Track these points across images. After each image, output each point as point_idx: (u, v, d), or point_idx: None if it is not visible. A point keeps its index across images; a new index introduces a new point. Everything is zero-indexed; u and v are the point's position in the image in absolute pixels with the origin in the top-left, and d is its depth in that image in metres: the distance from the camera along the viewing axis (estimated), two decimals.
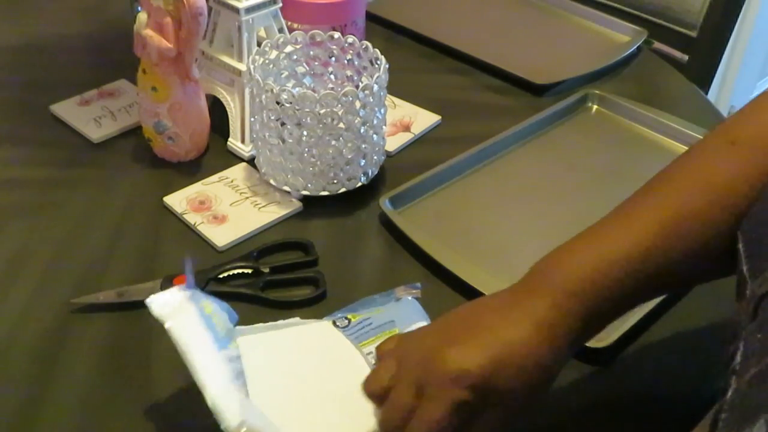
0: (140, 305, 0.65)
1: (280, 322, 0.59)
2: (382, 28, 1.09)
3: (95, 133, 0.85)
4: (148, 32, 0.74)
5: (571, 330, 0.48)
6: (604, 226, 0.53)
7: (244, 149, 0.83)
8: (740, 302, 0.43)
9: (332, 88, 0.77)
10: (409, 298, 0.63)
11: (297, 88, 0.73)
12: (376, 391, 0.51)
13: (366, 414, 0.51)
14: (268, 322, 0.61)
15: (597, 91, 0.93)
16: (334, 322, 0.60)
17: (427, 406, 0.47)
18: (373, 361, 0.55)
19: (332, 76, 0.81)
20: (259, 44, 0.78)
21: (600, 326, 0.51)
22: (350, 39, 0.78)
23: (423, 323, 0.59)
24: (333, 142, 0.72)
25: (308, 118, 0.70)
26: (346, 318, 0.60)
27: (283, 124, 0.72)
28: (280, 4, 0.82)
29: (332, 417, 0.52)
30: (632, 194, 0.54)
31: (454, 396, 0.46)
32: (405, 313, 0.61)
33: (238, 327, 0.57)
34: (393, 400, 0.49)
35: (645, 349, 0.63)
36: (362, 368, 0.55)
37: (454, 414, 0.46)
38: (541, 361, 0.47)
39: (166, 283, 0.66)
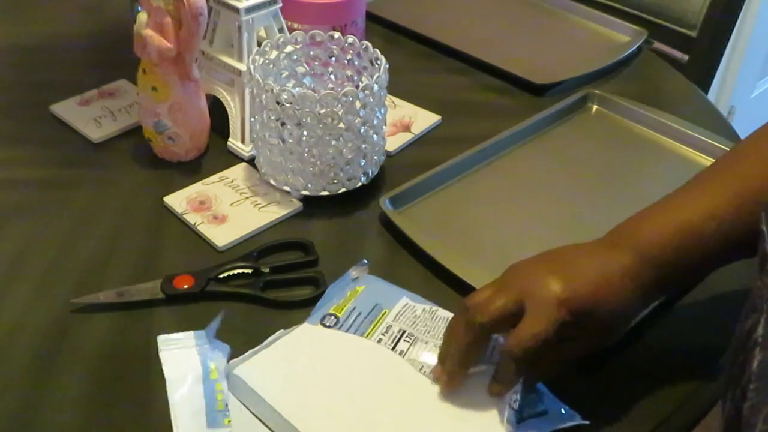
0: (140, 305, 0.65)
1: (266, 341, 0.60)
2: (382, 28, 1.09)
3: (95, 133, 0.85)
4: (148, 32, 0.74)
5: (651, 282, 0.54)
6: (678, 196, 0.57)
7: (244, 149, 0.83)
8: (762, 279, 0.43)
9: (332, 88, 0.77)
10: (374, 277, 0.66)
11: (297, 88, 0.73)
12: (478, 300, 0.53)
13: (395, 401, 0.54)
14: (268, 321, 0.61)
15: (597, 91, 0.93)
16: (322, 323, 0.60)
17: (532, 320, 0.51)
18: (389, 348, 0.58)
19: (332, 76, 0.81)
20: (259, 44, 0.78)
21: (673, 286, 0.57)
22: (350, 39, 0.78)
23: (406, 298, 0.63)
24: (333, 142, 0.72)
25: (308, 118, 0.70)
26: (332, 315, 0.61)
27: (283, 124, 0.72)
28: (280, 4, 0.82)
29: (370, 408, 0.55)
30: (705, 169, 0.58)
31: (558, 316, 0.51)
32: (382, 293, 0.64)
33: (231, 361, 0.58)
34: (492, 297, 0.53)
35: (645, 350, 0.63)
36: (379, 355, 0.57)
37: (554, 332, 0.51)
38: (628, 303, 0.53)
39: (166, 283, 0.66)
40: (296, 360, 0.58)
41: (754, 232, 0.50)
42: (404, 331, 0.60)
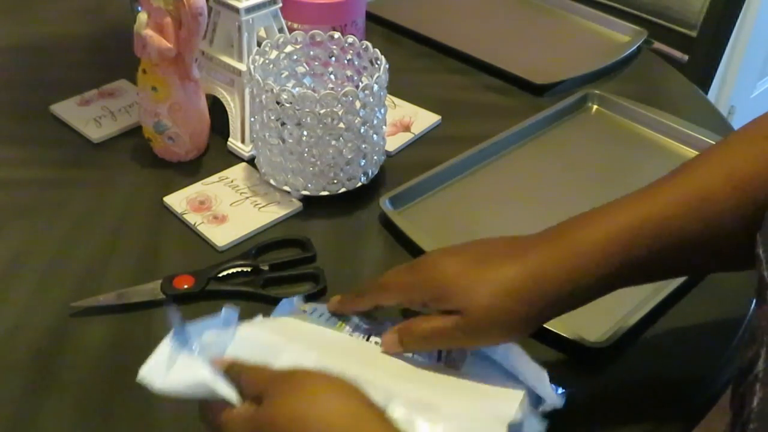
0: (140, 307, 0.65)
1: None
2: (382, 28, 1.09)
3: (95, 133, 0.85)
4: (148, 32, 0.74)
5: (565, 290, 0.51)
6: (623, 199, 0.55)
7: (244, 149, 0.83)
8: (761, 307, 0.42)
9: (332, 88, 0.77)
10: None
11: (297, 88, 0.73)
12: (393, 284, 0.55)
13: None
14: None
15: (597, 91, 0.93)
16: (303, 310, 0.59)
17: (437, 318, 0.52)
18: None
19: (332, 76, 0.81)
20: (259, 44, 0.78)
21: (603, 291, 0.52)
22: (350, 39, 0.78)
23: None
24: (333, 142, 0.72)
25: (308, 118, 0.70)
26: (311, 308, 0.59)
27: (283, 124, 0.72)
28: (280, 4, 0.82)
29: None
30: (658, 178, 0.56)
31: (458, 320, 0.51)
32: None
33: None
34: (409, 295, 0.54)
35: (645, 350, 0.63)
36: (353, 341, 0.56)
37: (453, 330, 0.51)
38: (526, 314, 0.51)
39: (166, 284, 0.66)
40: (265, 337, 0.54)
41: (702, 240, 0.51)
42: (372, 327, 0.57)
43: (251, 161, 0.82)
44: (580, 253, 0.51)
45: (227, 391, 0.46)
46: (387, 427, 0.44)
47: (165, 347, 0.48)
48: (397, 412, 0.48)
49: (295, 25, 0.89)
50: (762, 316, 0.42)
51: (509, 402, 0.50)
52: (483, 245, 0.56)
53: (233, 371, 0.47)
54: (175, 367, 0.47)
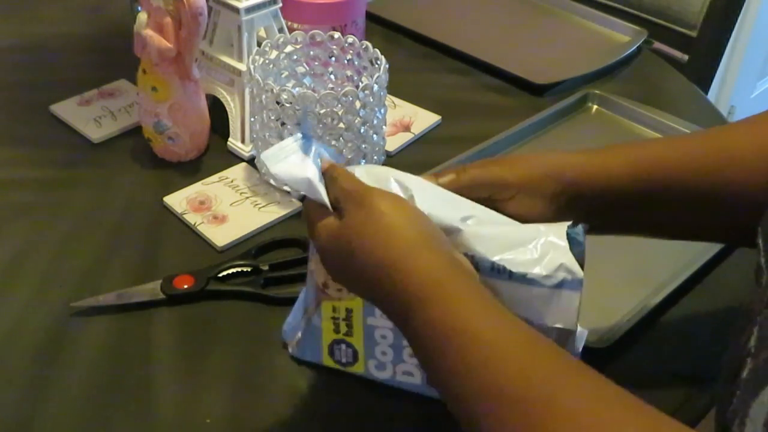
0: (140, 307, 0.65)
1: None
2: (382, 28, 1.09)
3: (95, 133, 0.85)
4: (148, 32, 0.74)
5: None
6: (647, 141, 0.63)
7: (244, 149, 0.83)
8: (757, 291, 0.44)
9: (332, 88, 0.77)
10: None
11: (297, 88, 0.73)
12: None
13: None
14: (270, 318, 0.61)
15: (597, 91, 0.93)
16: None
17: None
18: None
19: (332, 76, 0.81)
20: (259, 44, 0.78)
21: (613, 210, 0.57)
22: (350, 39, 0.78)
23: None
24: (333, 142, 0.72)
25: (308, 118, 0.70)
26: None
27: (283, 124, 0.72)
28: (280, 4, 0.82)
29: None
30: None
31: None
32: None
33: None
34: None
35: (645, 350, 0.63)
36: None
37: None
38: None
39: (166, 284, 0.66)
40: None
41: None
42: None
43: (251, 161, 0.82)
44: (598, 159, 0.56)
45: (322, 194, 0.50)
46: (442, 254, 0.46)
47: (290, 142, 0.53)
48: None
49: (295, 25, 0.89)
50: (755, 299, 0.43)
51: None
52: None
53: (329, 175, 0.51)
54: (291, 159, 0.52)
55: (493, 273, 0.49)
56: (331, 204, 0.50)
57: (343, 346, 0.58)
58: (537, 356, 0.41)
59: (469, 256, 0.49)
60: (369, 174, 0.51)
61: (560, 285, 0.48)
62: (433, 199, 0.51)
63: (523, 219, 0.53)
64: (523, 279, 0.48)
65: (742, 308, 0.45)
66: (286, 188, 0.76)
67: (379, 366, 0.57)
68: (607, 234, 0.57)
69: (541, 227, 0.50)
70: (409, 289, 0.44)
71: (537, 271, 0.48)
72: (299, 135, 0.53)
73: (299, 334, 0.60)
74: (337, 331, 0.57)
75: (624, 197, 0.55)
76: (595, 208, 0.55)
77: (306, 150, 0.53)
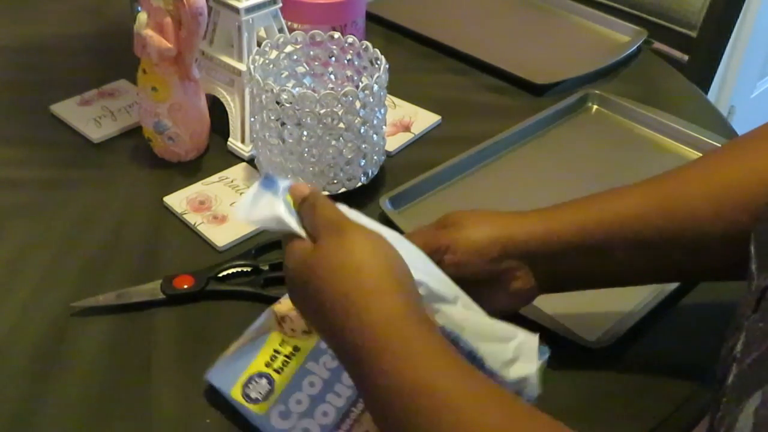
0: (140, 307, 0.65)
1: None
2: (382, 28, 1.09)
3: (95, 133, 0.85)
4: (148, 32, 0.74)
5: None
6: (604, 192, 0.59)
7: (244, 149, 0.83)
8: (747, 297, 0.44)
9: (332, 88, 0.77)
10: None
11: (297, 88, 0.73)
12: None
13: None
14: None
15: (597, 91, 0.93)
16: None
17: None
18: None
19: (332, 76, 0.81)
20: (259, 44, 0.78)
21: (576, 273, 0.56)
22: (350, 39, 0.78)
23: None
24: (333, 142, 0.72)
25: (308, 118, 0.70)
26: None
27: (283, 124, 0.72)
28: (280, 4, 0.82)
29: None
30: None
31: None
32: None
33: None
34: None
35: (645, 350, 0.63)
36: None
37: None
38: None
39: (166, 284, 0.66)
40: None
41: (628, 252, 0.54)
42: None
43: (251, 161, 0.82)
44: (557, 220, 0.56)
45: (295, 226, 0.50)
46: (407, 301, 0.45)
47: (254, 189, 0.53)
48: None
49: (295, 25, 0.89)
50: (744, 304, 0.43)
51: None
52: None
53: (310, 202, 0.50)
54: (259, 204, 0.52)
55: (468, 356, 0.49)
56: (308, 232, 0.49)
57: (264, 381, 0.56)
58: (491, 406, 0.41)
59: (449, 332, 0.49)
60: (356, 216, 0.51)
61: (520, 392, 0.50)
62: (423, 265, 0.52)
63: (467, 280, 0.53)
64: (491, 371, 0.50)
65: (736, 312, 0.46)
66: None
67: (283, 414, 0.55)
68: (559, 292, 0.58)
69: (519, 331, 0.51)
70: (366, 331, 0.43)
71: (505, 373, 0.50)
72: (262, 179, 0.53)
73: (225, 357, 0.58)
74: (268, 364, 0.56)
75: (572, 261, 0.55)
76: (542, 272, 0.56)
77: (272, 189, 0.52)
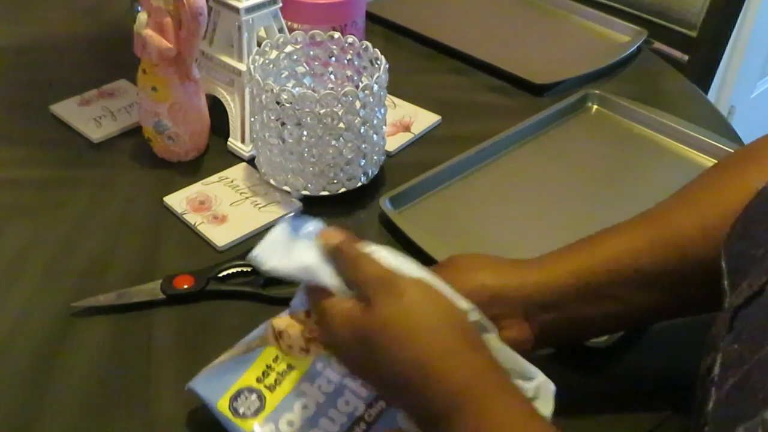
0: (140, 307, 0.65)
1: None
2: (382, 28, 1.09)
3: (95, 133, 0.85)
4: (148, 32, 0.74)
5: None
6: (595, 236, 0.56)
7: (244, 149, 0.83)
8: (720, 315, 0.43)
9: (332, 88, 0.77)
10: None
11: (297, 88, 0.73)
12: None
13: None
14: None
15: (597, 91, 0.93)
16: None
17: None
18: None
19: (332, 76, 0.81)
20: (259, 44, 0.78)
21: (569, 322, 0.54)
22: (350, 39, 0.78)
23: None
24: (333, 142, 0.72)
25: (308, 118, 0.70)
26: None
27: (283, 124, 0.72)
28: (280, 4, 0.82)
29: None
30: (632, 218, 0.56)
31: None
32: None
33: None
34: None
35: (645, 350, 0.63)
36: None
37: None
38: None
39: (166, 284, 0.66)
40: None
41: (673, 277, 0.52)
42: None
43: (251, 161, 0.82)
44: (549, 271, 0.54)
45: (331, 279, 0.46)
46: (478, 355, 0.44)
47: (279, 231, 0.49)
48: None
49: (295, 25, 0.89)
50: (719, 323, 0.42)
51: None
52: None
53: (343, 260, 0.47)
54: (286, 250, 0.48)
55: None
56: (349, 287, 0.47)
57: (254, 396, 0.53)
58: None
59: None
60: (393, 256, 0.48)
61: None
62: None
63: None
64: None
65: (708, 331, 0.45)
66: (286, 188, 0.76)
67: None
68: (564, 344, 0.58)
69: (538, 372, 0.50)
70: (445, 395, 0.42)
71: None
72: (289, 220, 0.50)
73: (212, 367, 0.55)
74: (260, 380, 0.54)
75: (569, 309, 0.54)
76: (540, 323, 0.54)
77: (298, 232, 0.49)
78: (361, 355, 0.45)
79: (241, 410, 0.53)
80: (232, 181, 0.79)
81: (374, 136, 0.75)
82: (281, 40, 0.78)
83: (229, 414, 0.53)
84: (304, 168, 0.74)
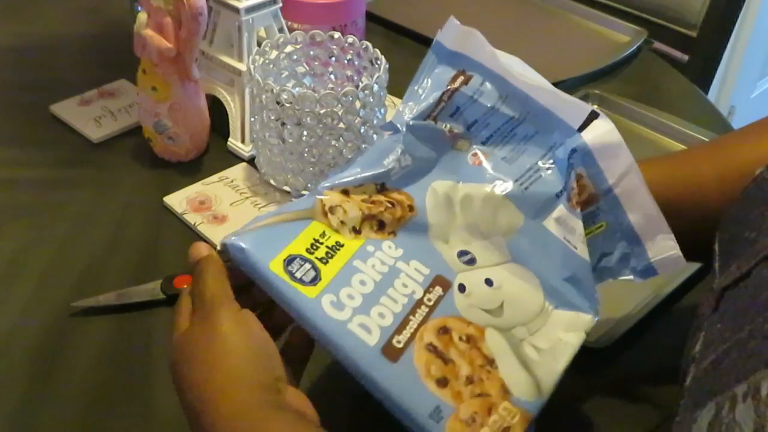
0: (140, 307, 0.65)
1: None
2: (382, 28, 1.09)
3: (95, 133, 0.85)
4: (148, 32, 0.74)
5: None
6: None
7: (244, 149, 0.83)
8: (707, 297, 0.44)
9: (332, 88, 0.77)
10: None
11: (297, 88, 0.73)
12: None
13: None
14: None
15: (597, 91, 0.93)
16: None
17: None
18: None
19: (332, 76, 0.81)
20: (259, 44, 0.78)
21: None
22: (350, 39, 0.78)
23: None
24: (333, 142, 0.72)
25: (308, 118, 0.70)
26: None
27: (283, 124, 0.72)
28: (280, 4, 0.82)
29: None
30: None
31: None
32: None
33: None
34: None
35: (645, 350, 0.63)
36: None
37: None
38: None
39: (166, 284, 0.66)
40: None
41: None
42: None
43: (251, 161, 0.82)
44: None
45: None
46: (261, 392, 0.44)
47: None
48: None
49: (295, 25, 0.89)
50: (706, 303, 0.43)
51: None
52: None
53: (196, 272, 0.49)
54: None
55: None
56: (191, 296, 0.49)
57: (308, 266, 0.47)
58: None
59: None
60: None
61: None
62: None
63: None
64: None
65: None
66: (286, 188, 0.76)
67: (336, 304, 0.46)
68: None
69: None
70: (220, 423, 0.43)
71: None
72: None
73: (264, 222, 0.49)
74: (309, 251, 0.48)
75: None
76: None
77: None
78: (174, 365, 0.48)
79: (298, 275, 0.47)
80: (232, 181, 0.79)
81: (374, 136, 0.75)
82: (281, 40, 0.78)
83: (286, 277, 0.46)
84: (304, 168, 0.74)
